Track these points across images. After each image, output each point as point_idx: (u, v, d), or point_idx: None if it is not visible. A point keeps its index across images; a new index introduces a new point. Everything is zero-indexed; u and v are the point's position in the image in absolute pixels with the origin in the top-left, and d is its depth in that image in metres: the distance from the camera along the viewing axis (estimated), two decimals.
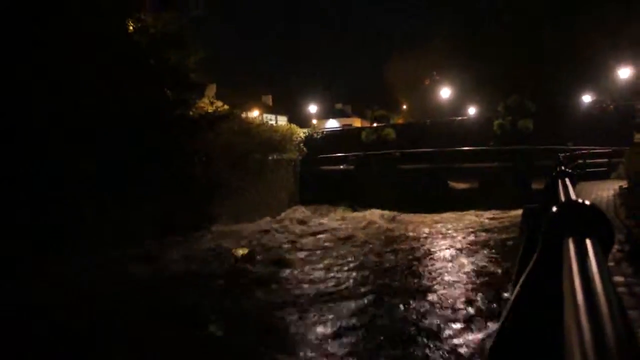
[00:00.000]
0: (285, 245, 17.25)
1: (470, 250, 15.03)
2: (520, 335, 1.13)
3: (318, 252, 15.89)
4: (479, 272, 12.11)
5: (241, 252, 16.58)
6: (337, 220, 23.13)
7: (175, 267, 14.07)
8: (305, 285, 11.88)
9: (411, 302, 10.06)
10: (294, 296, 11.02)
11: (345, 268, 13.40)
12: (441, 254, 14.73)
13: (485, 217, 21.57)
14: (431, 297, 10.32)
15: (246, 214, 22.45)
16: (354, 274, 12.73)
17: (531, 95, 26.63)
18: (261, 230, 20.16)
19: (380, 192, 25.48)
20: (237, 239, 18.56)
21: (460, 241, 16.77)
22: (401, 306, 9.83)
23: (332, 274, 12.79)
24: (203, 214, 20.50)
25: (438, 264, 13.36)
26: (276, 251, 16.27)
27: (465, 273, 12.23)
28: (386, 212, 24.20)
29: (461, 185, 26.61)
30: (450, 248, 15.52)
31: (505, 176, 23.59)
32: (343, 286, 11.61)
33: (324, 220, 23.11)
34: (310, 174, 28.20)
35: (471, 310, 9.30)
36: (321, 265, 13.88)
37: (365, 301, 10.26)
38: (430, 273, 12.45)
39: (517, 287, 1.20)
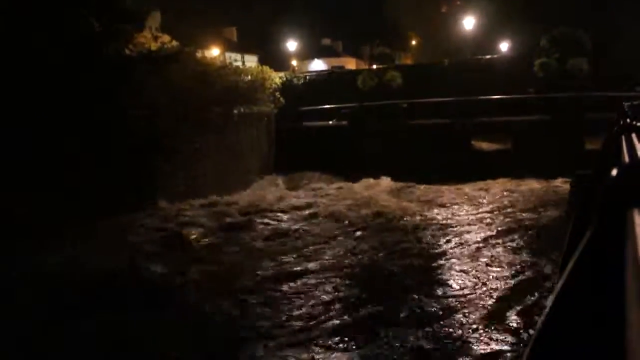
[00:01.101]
0: (251, 242, 16.09)
1: (506, 239, 14.47)
2: (567, 336, 1.07)
3: (296, 252, 14.57)
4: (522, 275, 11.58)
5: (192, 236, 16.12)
6: (324, 195, 22.67)
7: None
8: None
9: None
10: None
11: (330, 287, 11.93)
12: (462, 247, 14.14)
13: (522, 187, 21.49)
14: (449, 321, 9.41)
15: (203, 188, 22.15)
16: (342, 293, 11.53)
17: (586, 26, 25.96)
18: (218, 211, 19.41)
19: (382, 156, 25.27)
20: (180, 224, 17.72)
21: (489, 224, 16.34)
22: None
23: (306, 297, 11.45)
24: (144, 187, 20.04)
25: (457, 265, 12.72)
26: (232, 250, 15.12)
27: (505, 275, 11.70)
28: (391, 183, 23.98)
29: (489, 146, 26.38)
30: (476, 237, 14.94)
31: (548, 134, 23.33)
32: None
33: (306, 196, 22.65)
34: (289, 132, 27.93)
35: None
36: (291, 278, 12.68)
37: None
38: (448, 282, 11.61)
39: (564, 274, 1.19)
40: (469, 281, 11.38)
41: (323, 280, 11.90)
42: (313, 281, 11.89)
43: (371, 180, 24.59)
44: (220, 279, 12.47)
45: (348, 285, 11.73)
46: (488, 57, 31.24)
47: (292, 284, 11.82)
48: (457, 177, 23.12)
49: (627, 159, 2.83)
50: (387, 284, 11.72)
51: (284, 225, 17.91)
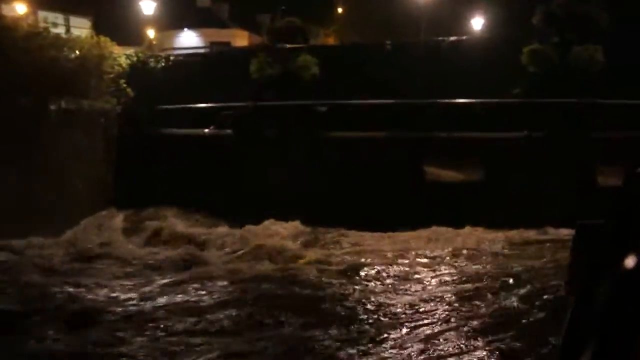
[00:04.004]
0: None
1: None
2: None
3: None
4: None
5: None
6: (185, 253, 21.30)
7: None
8: None
9: None
10: None
11: None
12: None
13: (497, 244, 21.21)
14: None
15: None
16: None
17: None
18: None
19: (285, 183, 24.95)
20: None
21: (441, 312, 15.30)
22: None
23: None
24: None
25: None
26: None
27: None
28: (297, 227, 23.83)
29: (451, 176, 26.04)
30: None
31: (540, 159, 23.26)
32: None
33: (157, 251, 21.72)
34: (140, 143, 27.37)
35: None
36: None
37: None
38: None
39: None
40: None
41: None
42: None
43: (267, 224, 24.14)
44: None
45: None
46: (453, 39, 30.86)
47: None
48: (398, 222, 22.71)
49: None
50: None
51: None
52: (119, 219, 25.53)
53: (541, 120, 24.16)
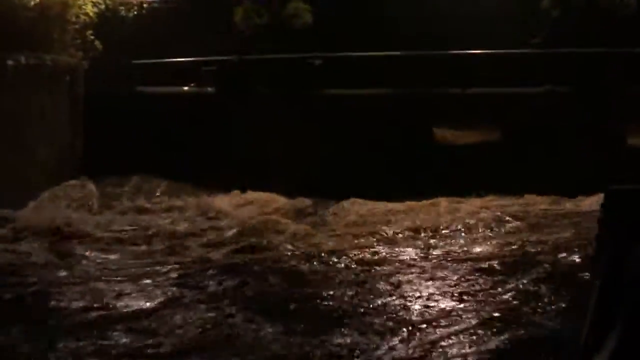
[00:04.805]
0: None
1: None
2: None
3: None
4: None
5: None
6: (162, 224, 20.69)
7: None
8: None
9: None
10: None
11: None
12: None
13: (516, 214, 20.76)
14: None
15: None
16: None
17: None
18: None
19: (275, 148, 24.86)
20: None
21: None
22: None
23: None
24: None
25: None
26: None
27: None
28: (289, 197, 23.25)
29: (463, 138, 25.64)
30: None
31: (564, 117, 23.19)
32: None
33: (126, 225, 20.63)
34: (112, 104, 26.68)
35: None
36: None
37: None
38: None
39: None
40: None
41: None
42: None
43: (257, 195, 23.77)
44: None
45: None
46: None
47: None
48: (403, 190, 22.43)
49: None
50: None
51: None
52: (87, 189, 24.60)
53: (564, 73, 23.91)
